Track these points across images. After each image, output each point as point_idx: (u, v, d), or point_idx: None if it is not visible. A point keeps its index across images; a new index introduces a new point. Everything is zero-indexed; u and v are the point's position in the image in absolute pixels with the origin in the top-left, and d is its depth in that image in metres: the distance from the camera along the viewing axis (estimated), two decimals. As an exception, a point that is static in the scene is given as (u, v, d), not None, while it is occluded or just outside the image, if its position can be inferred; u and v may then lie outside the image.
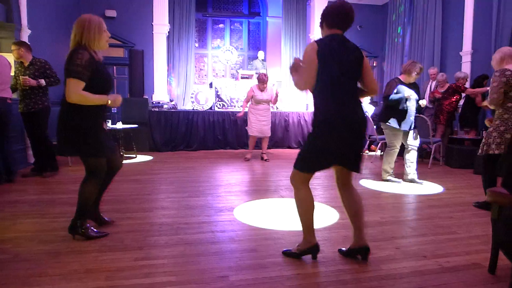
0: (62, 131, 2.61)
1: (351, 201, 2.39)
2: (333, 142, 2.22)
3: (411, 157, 4.81)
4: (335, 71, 2.22)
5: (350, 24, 2.36)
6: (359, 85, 2.39)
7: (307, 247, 2.37)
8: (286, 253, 2.45)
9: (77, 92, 2.48)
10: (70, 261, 2.30)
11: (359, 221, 2.37)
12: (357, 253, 2.39)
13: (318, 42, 2.26)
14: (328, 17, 2.35)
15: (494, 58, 3.47)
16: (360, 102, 2.37)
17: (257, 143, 7.25)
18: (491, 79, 3.33)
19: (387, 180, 4.86)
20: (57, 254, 2.40)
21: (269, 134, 6.77)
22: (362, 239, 2.36)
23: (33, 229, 2.88)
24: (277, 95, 6.62)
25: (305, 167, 2.31)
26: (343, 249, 2.48)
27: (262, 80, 6.43)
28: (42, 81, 4.72)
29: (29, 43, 4.99)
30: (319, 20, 2.42)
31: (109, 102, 2.64)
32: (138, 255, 2.41)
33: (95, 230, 2.76)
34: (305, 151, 2.32)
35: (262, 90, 6.50)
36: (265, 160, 6.63)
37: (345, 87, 2.26)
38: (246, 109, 6.72)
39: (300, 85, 2.32)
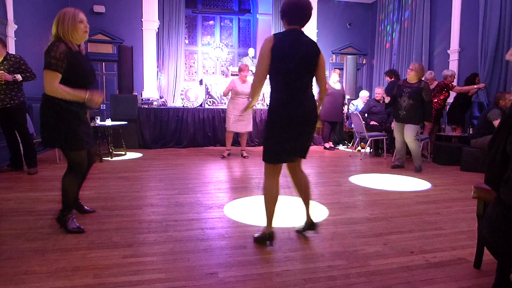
0: (43, 124, 2.70)
1: (298, 181, 2.67)
2: (284, 134, 2.39)
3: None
4: (286, 64, 2.34)
5: (307, 20, 2.44)
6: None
7: (265, 234, 2.54)
8: (255, 238, 2.63)
9: (52, 84, 2.53)
10: (57, 259, 2.28)
11: (306, 198, 2.69)
12: (307, 229, 2.73)
13: (275, 36, 2.38)
14: (286, 14, 2.44)
15: None
16: (311, 96, 2.49)
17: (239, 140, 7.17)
18: None
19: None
20: (44, 252, 2.38)
21: (248, 130, 6.53)
22: (309, 216, 2.71)
23: (20, 227, 2.84)
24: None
25: (268, 158, 2.46)
26: (297, 227, 2.81)
27: (240, 69, 6.26)
28: (18, 76, 4.64)
29: (2, 38, 4.89)
30: (279, 15, 2.52)
31: (86, 99, 2.66)
32: (126, 253, 2.40)
33: (77, 224, 2.78)
34: (265, 143, 2.49)
35: (243, 82, 6.26)
36: (244, 157, 6.47)
37: (294, 80, 2.38)
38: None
39: (255, 79, 2.43)
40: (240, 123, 6.28)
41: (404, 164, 5.78)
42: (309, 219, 2.73)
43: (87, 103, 2.69)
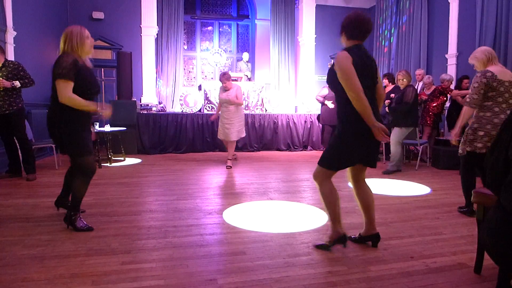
0: (51, 129, 2.89)
1: (364, 195, 2.65)
2: (358, 145, 2.43)
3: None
4: (365, 80, 2.37)
5: (368, 34, 2.49)
6: None
7: (337, 237, 2.56)
8: (319, 247, 2.61)
9: (67, 93, 2.73)
10: (55, 266, 2.26)
11: (370, 212, 2.63)
12: (369, 240, 2.66)
13: (350, 52, 2.37)
14: (352, 29, 2.45)
15: (476, 58, 3.41)
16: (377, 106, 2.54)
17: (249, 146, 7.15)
18: (472, 80, 3.37)
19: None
20: (42, 259, 2.36)
21: (233, 139, 6.01)
22: (373, 228, 2.65)
23: (18, 233, 2.82)
24: (237, 96, 5.89)
25: (331, 165, 2.49)
26: (353, 236, 2.74)
27: (219, 79, 5.98)
28: (17, 83, 4.65)
29: (0, 45, 4.90)
30: (340, 30, 2.56)
31: (98, 109, 2.92)
32: (125, 259, 2.38)
33: (85, 223, 2.94)
34: (333, 152, 2.50)
35: (226, 90, 5.93)
36: (227, 167, 5.98)
37: (370, 93, 2.43)
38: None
39: (355, 93, 2.32)
40: (227, 131, 5.96)
41: (400, 167, 5.81)
42: (373, 230, 2.66)
43: (99, 112, 2.93)
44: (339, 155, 2.47)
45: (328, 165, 2.50)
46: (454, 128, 3.56)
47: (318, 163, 2.54)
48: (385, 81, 7.55)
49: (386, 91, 7.40)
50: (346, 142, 2.44)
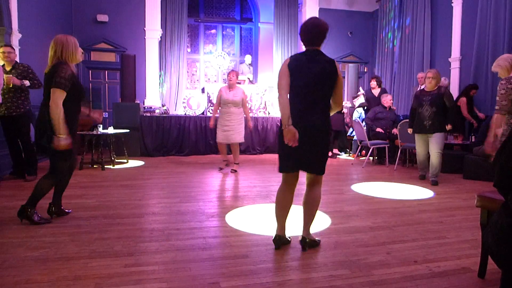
0: (38, 132, 3.04)
1: (306, 195, 2.67)
2: (290, 151, 2.50)
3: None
4: (299, 82, 2.51)
5: (320, 39, 2.57)
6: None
7: (273, 236, 2.67)
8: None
9: (59, 102, 2.92)
10: (58, 268, 2.27)
11: (304, 213, 2.65)
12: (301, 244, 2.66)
13: (291, 57, 2.60)
14: (301, 36, 2.62)
15: (500, 66, 3.46)
16: (322, 111, 2.55)
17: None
18: (497, 87, 3.41)
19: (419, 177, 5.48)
20: (45, 261, 2.37)
21: (237, 141, 5.84)
22: (305, 230, 2.66)
23: (21, 235, 2.83)
24: (244, 103, 5.85)
25: (279, 166, 2.64)
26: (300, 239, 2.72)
27: (228, 74, 5.83)
28: (26, 82, 4.71)
29: (12, 46, 4.97)
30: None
31: (91, 115, 3.43)
32: (128, 262, 2.38)
33: (39, 215, 3.12)
34: (278, 152, 2.65)
35: (230, 89, 5.78)
36: (232, 171, 5.85)
37: (307, 96, 2.51)
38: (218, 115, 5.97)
39: (279, 93, 2.57)
40: (227, 134, 5.76)
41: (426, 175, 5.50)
42: (304, 232, 2.67)
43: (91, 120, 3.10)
44: (280, 155, 2.62)
45: (279, 166, 2.64)
46: (487, 138, 3.46)
47: None
48: (373, 83, 7.54)
49: (376, 94, 7.40)
50: (280, 140, 2.57)
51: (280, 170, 2.63)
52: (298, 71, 2.52)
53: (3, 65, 4.74)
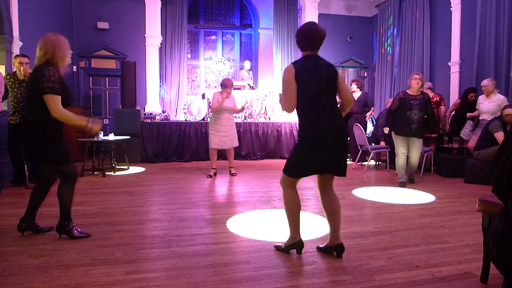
0: (31, 143, 2.81)
1: (330, 203, 2.62)
2: (314, 155, 2.47)
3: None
4: (312, 90, 2.47)
5: (320, 43, 2.59)
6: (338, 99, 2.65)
7: (291, 243, 2.64)
8: (276, 247, 2.73)
9: (60, 108, 2.72)
10: (59, 276, 2.26)
11: (334, 222, 2.60)
12: (333, 250, 2.62)
13: (295, 65, 2.52)
14: (299, 41, 2.61)
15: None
16: (339, 114, 2.58)
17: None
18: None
19: (400, 184, 5.34)
20: (46, 268, 2.36)
21: (234, 145, 6.05)
22: (337, 238, 2.60)
23: (22, 243, 2.83)
24: (243, 108, 6.16)
25: (291, 173, 2.58)
26: (321, 246, 2.71)
27: (225, 85, 5.81)
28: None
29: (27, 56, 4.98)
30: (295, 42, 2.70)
31: (89, 125, 2.88)
32: (129, 269, 2.38)
33: (79, 230, 2.98)
34: (291, 160, 2.58)
35: (226, 97, 5.85)
36: (232, 174, 6.06)
37: (322, 102, 2.49)
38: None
39: (285, 108, 2.57)
40: (225, 139, 5.86)
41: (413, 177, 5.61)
42: (337, 240, 2.61)
43: (89, 129, 2.88)
44: (298, 163, 2.53)
45: (289, 173, 2.58)
46: None
47: (283, 170, 2.63)
48: (353, 87, 7.46)
49: (356, 97, 7.35)
50: (301, 151, 2.51)
51: (294, 176, 2.57)
52: (308, 80, 2.47)
53: (13, 74, 4.73)
